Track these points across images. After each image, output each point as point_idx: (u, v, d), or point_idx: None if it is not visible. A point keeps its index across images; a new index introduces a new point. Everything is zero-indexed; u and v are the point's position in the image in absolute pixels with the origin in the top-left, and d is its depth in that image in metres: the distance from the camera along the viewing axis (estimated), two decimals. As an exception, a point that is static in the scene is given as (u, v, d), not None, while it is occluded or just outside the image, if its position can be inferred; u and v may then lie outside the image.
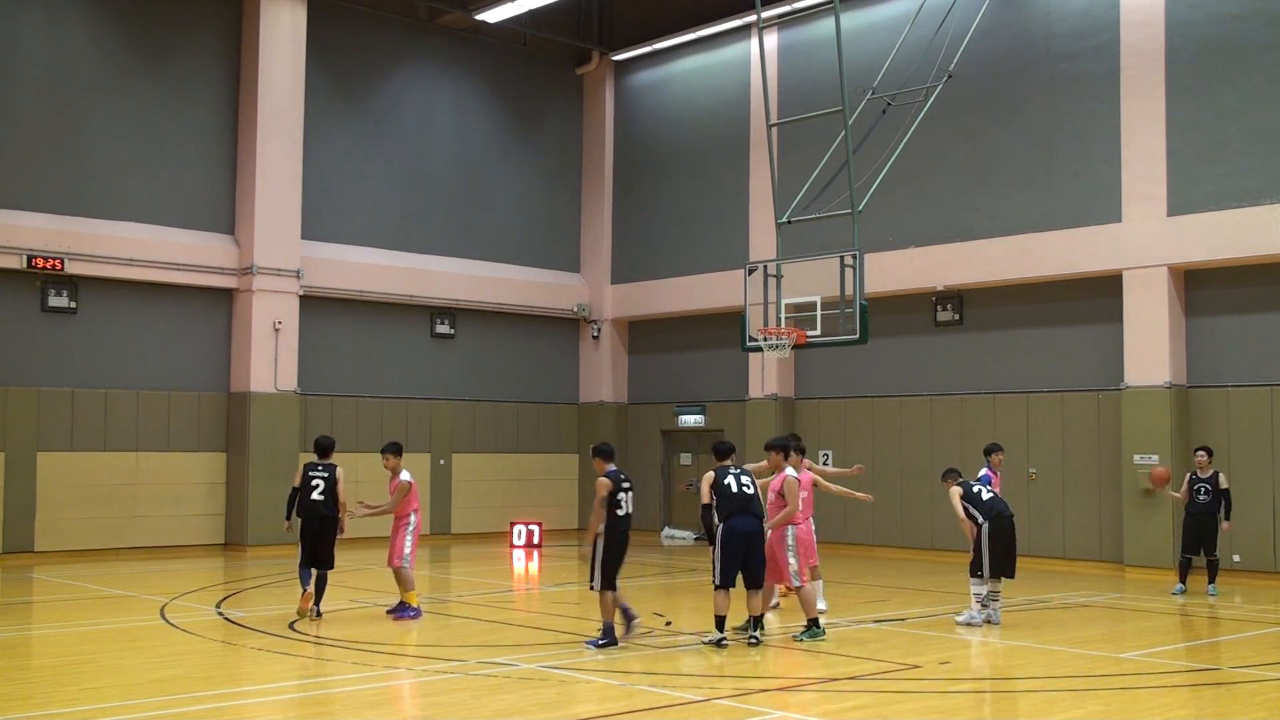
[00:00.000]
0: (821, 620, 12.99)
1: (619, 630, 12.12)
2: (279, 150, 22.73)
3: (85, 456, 21.15)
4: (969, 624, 13.58)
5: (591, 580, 12.05)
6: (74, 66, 21.38)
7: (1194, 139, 18.97)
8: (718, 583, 12.15)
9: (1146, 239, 19.28)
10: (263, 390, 22.32)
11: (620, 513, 12.00)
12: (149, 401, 21.85)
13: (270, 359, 22.44)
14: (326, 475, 14.19)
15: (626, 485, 12.12)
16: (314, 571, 13.98)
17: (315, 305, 23.47)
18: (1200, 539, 16.76)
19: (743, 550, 12.09)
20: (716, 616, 12.16)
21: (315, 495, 14.09)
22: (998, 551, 13.65)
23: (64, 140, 21.21)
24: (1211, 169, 18.80)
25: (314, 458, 14.47)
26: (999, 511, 13.84)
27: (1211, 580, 16.75)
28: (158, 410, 21.95)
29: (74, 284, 21.12)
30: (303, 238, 23.16)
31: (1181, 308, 19.27)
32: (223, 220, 22.82)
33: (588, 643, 12.09)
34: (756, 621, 12.36)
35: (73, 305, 21.13)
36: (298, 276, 22.91)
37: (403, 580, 14.17)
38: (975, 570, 13.72)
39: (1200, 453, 16.99)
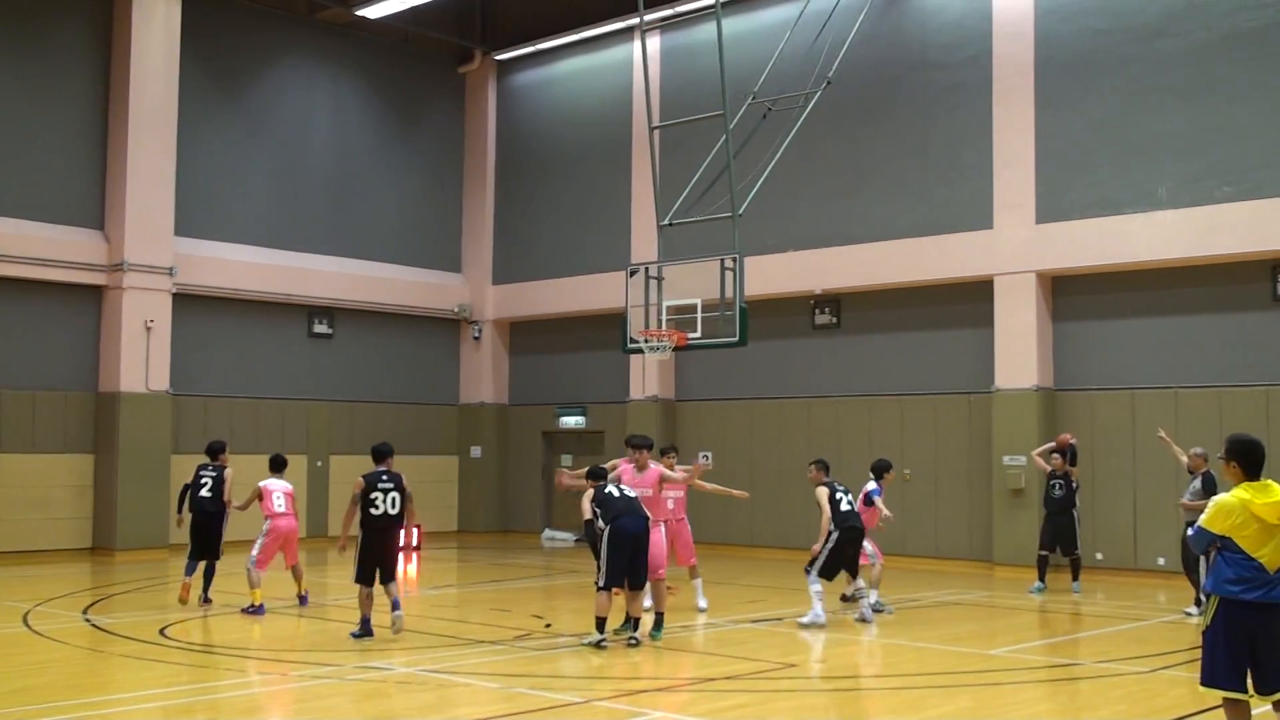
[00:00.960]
0: (702, 619, 13.14)
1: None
2: (151, 144, 22.17)
3: (-56, 458, 20.41)
4: (814, 624, 13.57)
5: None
6: (-66, 54, 20.61)
7: (1062, 149, 19.54)
8: (603, 584, 12.21)
9: (1016, 245, 19.81)
10: (133, 390, 21.76)
11: (375, 511, 12.61)
12: (13, 401, 21.15)
13: (141, 358, 21.88)
14: (215, 475, 15.56)
15: (385, 485, 12.70)
16: (202, 564, 15.27)
17: (189, 303, 22.95)
18: (1056, 537, 17.28)
19: (630, 551, 12.22)
20: (598, 618, 12.19)
21: (204, 493, 15.43)
22: (845, 558, 14.01)
23: (-77, 130, 20.44)
24: (1078, 178, 19.39)
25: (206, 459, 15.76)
26: (853, 525, 14.10)
27: (1075, 578, 17.28)
28: (22, 410, 21.25)
29: (-67, 279, 20.37)
30: (176, 234, 22.62)
31: (1049, 313, 19.85)
32: (92, 215, 22.19)
33: (352, 634, 12.67)
34: (635, 623, 12.44)
35: (-69, 301, 20.37)
36: (170, 274, 22.38)
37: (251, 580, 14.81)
38: (814, 569, 13.87)
39: (1055, 453, 17.52)
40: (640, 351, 18.07)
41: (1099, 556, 18.93)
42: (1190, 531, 9.27)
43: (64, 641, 12.72)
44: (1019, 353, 19.70)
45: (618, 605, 12.61)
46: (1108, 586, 18.01)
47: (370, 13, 24.32)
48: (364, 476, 12.76)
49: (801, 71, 20.53)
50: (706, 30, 22.79)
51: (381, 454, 13.02)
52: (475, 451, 27.10)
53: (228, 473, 15.62)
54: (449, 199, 27.66)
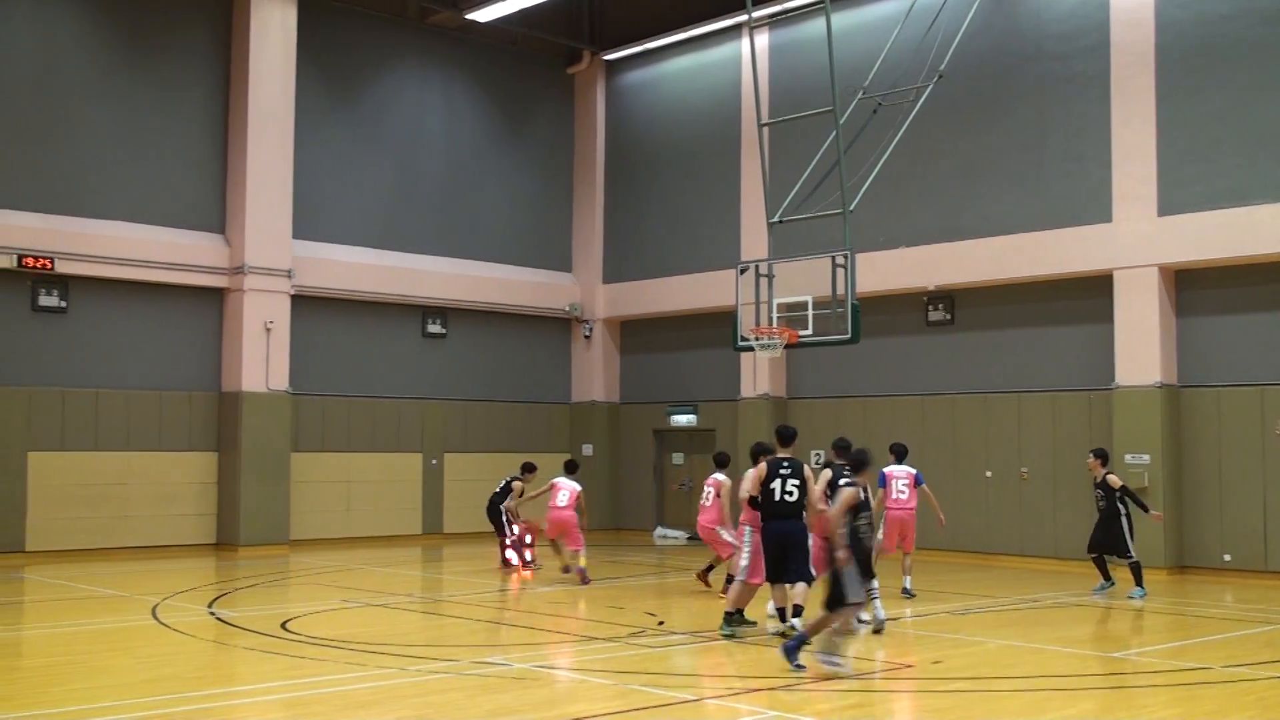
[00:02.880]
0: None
1: None
2: (270, 149, 22.69)
3: (76, 456, 21.10)
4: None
5: None
6: (64, 66, 21.32)
7: (1184, 139, 19.02)
8: (743, 577, 12.59)
9: (1137, 239, 19.32)
10: (254, 390, 22.28)
11: (774, 499, 12.63)
12: (140, 401, 21.81)
13: (261, 358, 22.40)
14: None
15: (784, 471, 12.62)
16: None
17: (307, 305, 23.44)
18: (1104, 543, 16.63)
19: (777, 550, 12.41)
20: (736, 609, 12.50)
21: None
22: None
23: (55, 139, 21.15)
24: (1201, 169, 18.85)
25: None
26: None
27: (1137, 583, 16.44)
28: (149, 410, 21.90)
29: (64, 283, 21.07)
30: (294, 237, 23.12)
31: (1172, 307, 19.33)
32: (213, 219, 22.78)
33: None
34: (798, 610, 12.47)
35: (63, 305, 21.08)
36: (289, 276, 22.88)
37: None
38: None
39: (1090, 456, 17.02)
40: (751, 349, 18.03)
41: (1227, 558, 18.39)
42: None
43: (190, 634, 13.06)
44: (1141, 349, 19.21)
45: (734, 597, 12.56)
46: (1237, 589, 17.47)
47: (480, 16, 24.58)
48: (765, 461, 12.69)
49: (912, 65, 20.26)
50: (815, 26, 22.64)
51: (787, 438, 12.81)
52: (587, 449, 27.24)
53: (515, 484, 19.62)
54: (559, 199, 27.84)
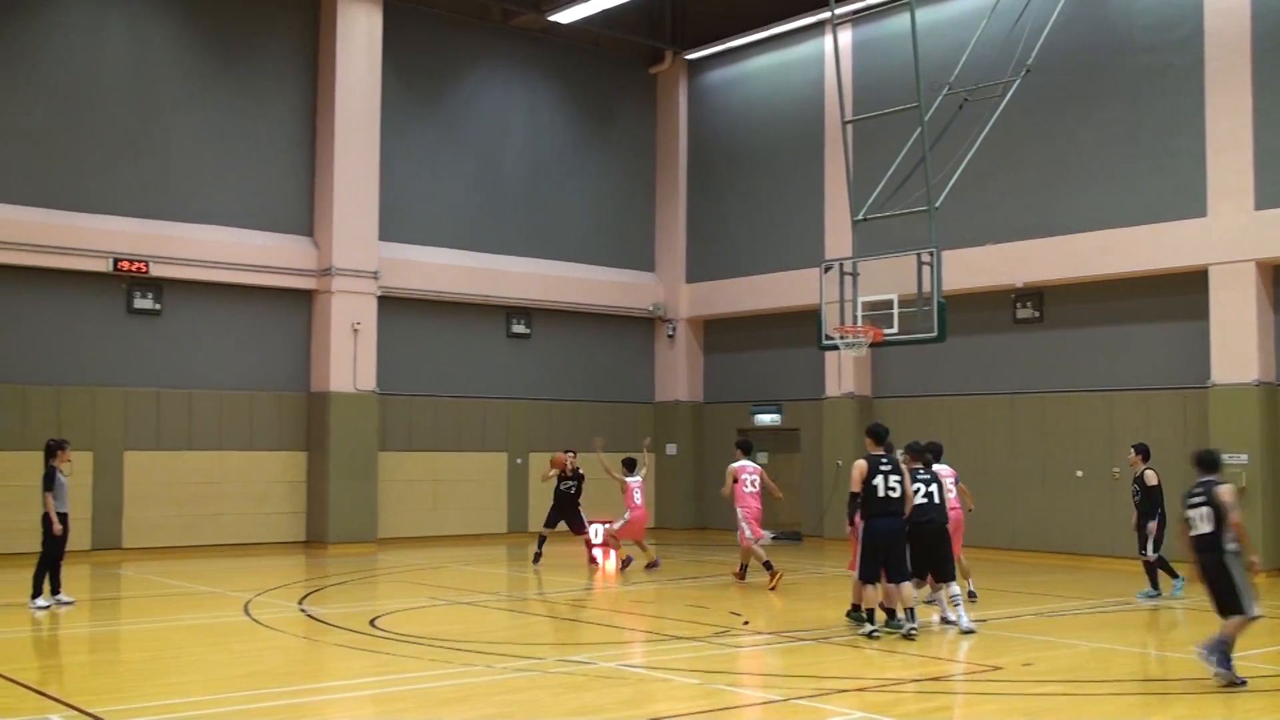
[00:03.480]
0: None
1: None
2: (356, 152, 22.99)
3: (170, 455, 21.55)
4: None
5: None
6: (156, 73, 21.79)
7: (1282, 130, 18.54)
8: (862, 579, 12.57)
9: (1233, 233, 18.86)
10: (342, 390, 22.59)
11: (878, 495, 12.62)
12: (232, 401, 22.22)
13: (349, 359, 22.70)
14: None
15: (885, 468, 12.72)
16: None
17: (393, 306, 23.71)
18: (1139, 539, 16.23)
19: (884, 548, 12.44)
20: (865, 608, 12.48)
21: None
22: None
23: (149, 147, 21.63)
24: (1301, 161, 18.36)
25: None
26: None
27: (1151, 584, 16.07)
28: (240, 410, 22.31)
29: (159, 286, 21.53)
30: (380, 239, 23.40)
31: (1270, 303, 18.84)
32: (302, 222, 23.14)
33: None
34: (910, 613, 12.45)
35: (157, 307, 21.54)
36: (375, 277, 23.16)
37: None
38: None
39: (1131, 451, 16.58)
40: (836, 348, 17.90)
41: (1327, 560, 17.89)
42: None
43: (281, 630, 13.27)
44: (1238, 346, 18.75)
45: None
46: (1338, 592, 16.98)
47: (562, 18, 24.69)
48: (865, 459, 12.69)
49: (999, 60, 19.96)
50: (899, 22, 22.41)
51: (880, 436, 12.83)
52: (671, 449, 27.24)
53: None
54: (642, 199, 27.88)
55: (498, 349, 25.53)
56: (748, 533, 17.12)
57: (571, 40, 26.59)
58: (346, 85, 22.91)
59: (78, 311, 20.89)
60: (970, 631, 12.78)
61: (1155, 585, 16.09)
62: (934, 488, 12.96)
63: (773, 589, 16.39)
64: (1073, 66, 20.86)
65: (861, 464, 12.67)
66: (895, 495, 12.52)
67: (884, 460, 12.61)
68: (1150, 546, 16.08)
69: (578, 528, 20.03)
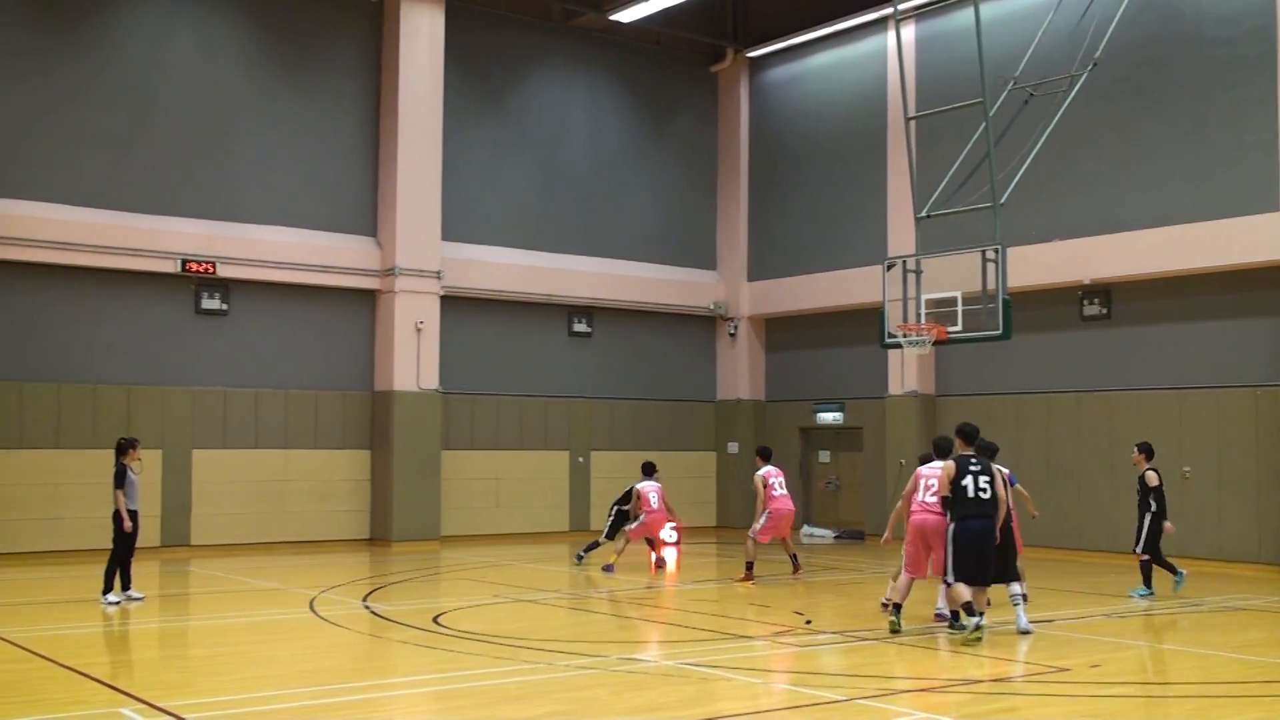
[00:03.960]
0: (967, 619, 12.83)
1: None
2: (419, 153, 23.16)
3: (237, 454, 21.84)
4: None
5: None
6: (223, 77, 22.08)
7: (1358, 123, 18.14)
8: (951, 578, 12.35)
9: (1307, 228, 18.49)
10: (405, 389, 22.76)
11: (968, 496, 12.43)
12: (297, 400, 22.46)
13: (413, 358, 22.88)
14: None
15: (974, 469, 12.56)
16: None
17: (456, 305, 23.86)
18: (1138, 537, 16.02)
19: (975, 549, 12.25)
20: (963, 604, 12.25)
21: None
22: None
23: (216, 150, 21.93)
24: (1377, 154, 17.95)
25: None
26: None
27: (1145, 583, 15.94)
28: (305, 409, 22.55)
29: (225, 287, 21.82)
30: (443, 239, 23.56)
31: (1345, 299, 18.46)
32: (366, 223, 23.35)
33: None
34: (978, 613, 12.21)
35: (224, 307, 21.83)
36: (438, 277, 23.32)
37: None
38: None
39: (1134, 450, 16.36)
40: (899, 346, 17.78)
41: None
42: None
43: (346, 627, 13.39)
44: (1311, 342, 18.38)
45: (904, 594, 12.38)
46: None
47: (623, 16, 24.71)
48: (954, 459, 12.57)
49: (1065, 54, 19.69)
50: (963, 16, 22.20)
51: (970, 436, 12.72)
52: (732, 447, 27.18)
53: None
54: (703, 197, 27.84)
55: (559, 348, 25.60)
56: (756, 527, 17.49)
57: (632, 39, 26.60)
58: (410, 86, 23.08)
59: (147, 312, 21.23)
60: (1026, 632, 12.61)
61: (1148, 583, 15.96)
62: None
63: (738, 581, 17.32)
64: (1141, 60, 20.55)
65: (950, 465, 12.49)
66: (986, 496, 12.29)
67: (973, 461, 12.44)
68: (1143, 544, 15.96)
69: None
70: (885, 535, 14.66)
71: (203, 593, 17.17)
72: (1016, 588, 12.98)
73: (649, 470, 19.55)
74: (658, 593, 16.90)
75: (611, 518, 19.78)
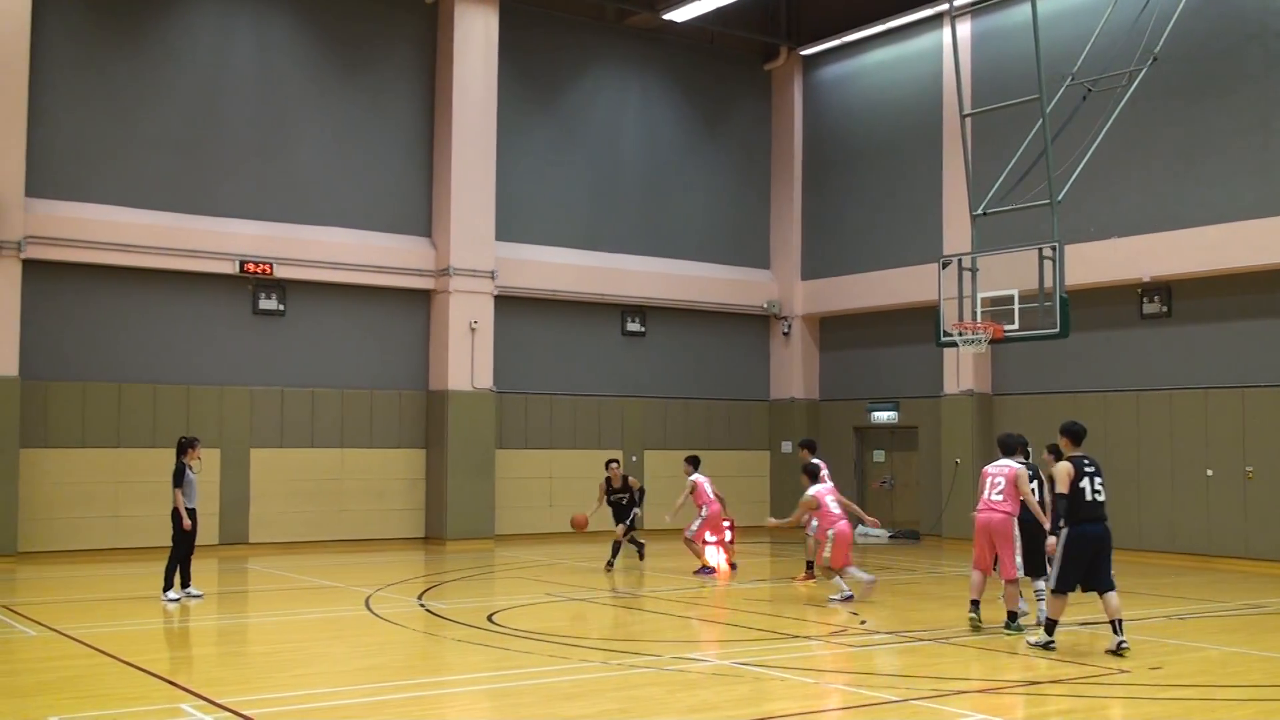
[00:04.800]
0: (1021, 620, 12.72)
1: None
2: (473, 154, 23.27)
3: (294, 453, 22.04)
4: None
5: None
6: (280, 80, 22.30)
7: None
8: (1054, 587, 11.65)
9: (1373, 223, 18.13)
10: (460, 388, 22.88)
11: (1085, 499, 11.68)
12: (353, 400, 22.64)
13: (467, 358, 22.99)
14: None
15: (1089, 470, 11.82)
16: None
17: (509, 305, 23.95)
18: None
19: (1091, 556, 11.56)
20: (1049, 620, 11.71)
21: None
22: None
23: (273, 151, 22.15)
24: None
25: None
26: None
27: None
28: (361, 408, 22.72)
29: (282, 287, 22.03)
30: (497, 239, 23.66)
31: None
32: (420, 223, 23.49)
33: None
34: (1116, 625, 11.57)
35: (281, 308, 22.04)
36: (492, 277, 23.42)
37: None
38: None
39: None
40: (954, 345, 17.65)
41: None
42: None
43: (401, 624, 13.47)
44: (1378, 340, 18.01)
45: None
46: None
47: (677, 16, 24.69)
48: (1069, 460, 11.73)
49: (1124, 49, 19.44)
50: (1020, 12, 21.97)
51: (1079, 436, 12.00)
52: (786, 447, 27.07)
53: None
54: (757, 196, 27.76)
55: (613, 347, 25.63)
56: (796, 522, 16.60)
57: (686, 38, 26.58)
58: (464, 87, 23.20)
59: (206, 313, 21.49)
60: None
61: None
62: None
63: (799, 581, 17.26)
64: (1202, 54, 20.24)
65: (1068, 466, 11.63)
66: (1101, 499, 11.66)
67: (1087, 461, 11.74)
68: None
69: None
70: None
71: (260, 590, 17.35)
72: (1041, 584, 12.99)
73: (696, 462, 18.99)
74: (712, 593, 16.86)
75: (628, 510, 19.16)
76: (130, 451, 20.58)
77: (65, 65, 20.51)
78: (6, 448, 19.26)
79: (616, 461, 19.84)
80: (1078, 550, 11.53)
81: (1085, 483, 11.58)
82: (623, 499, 19.28)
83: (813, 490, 15.84)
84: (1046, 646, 11.67)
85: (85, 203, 20.47)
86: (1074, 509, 11.57)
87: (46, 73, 20.22)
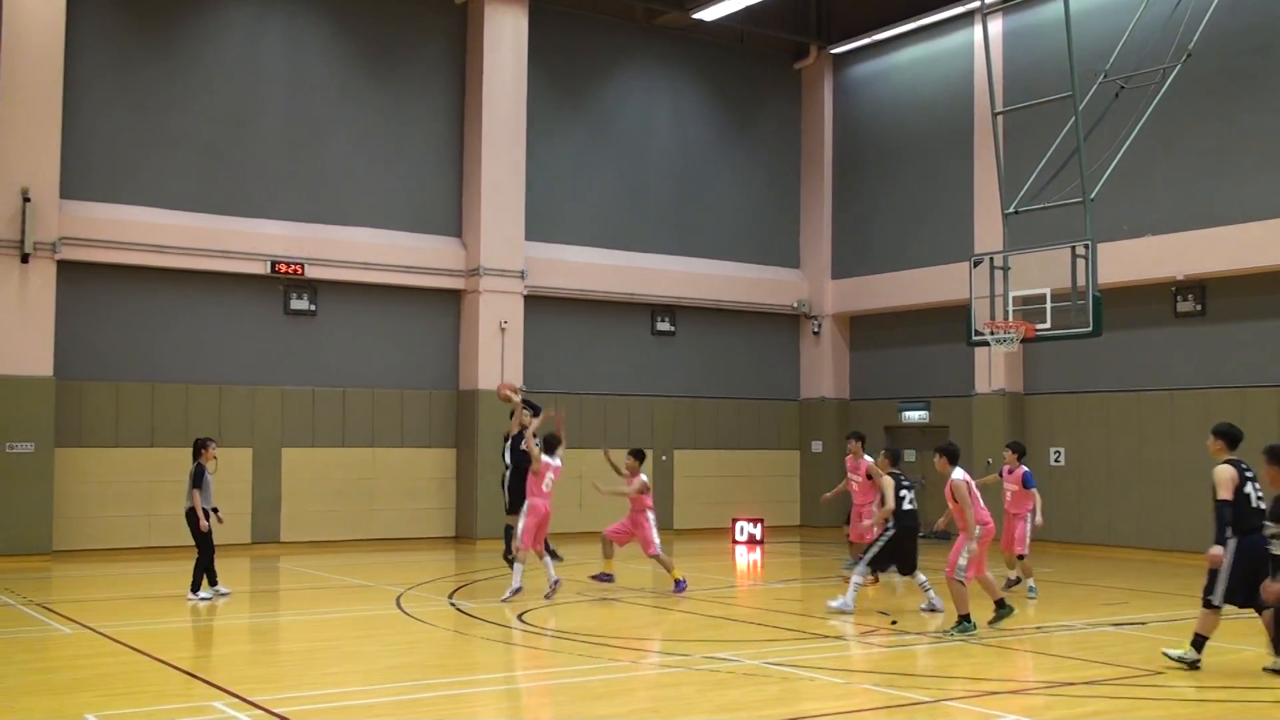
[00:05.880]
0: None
1: None
2: (503, 154, 23.32)
3: (325, 452, 22.15)
4: (843, 610, 13.90)
5: None
6: (311, 81, 22.41)
7: None
8: (1216, 601, 10.71)
9: None
10: (490, 388, 22.89)
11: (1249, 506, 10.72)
12: (384, 399, 22.73)
13: (497, 357, 23.04)
14: None
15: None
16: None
17: (539, 305, 23.99)
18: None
19: (1257, 570, 10.51)
20: (1198, 635, 10.84)
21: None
22: (903, 553, 14.35)
23: (303, 152, 22.26)
24: None
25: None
26: (910, 525, 14.39)
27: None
28: (392, 407, 22.81)
29: (313, 287, 22.14)
30: (526, 239, 23.70)
31: None
32: (451, 224, 23.55)
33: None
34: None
35: (312, 308, 22.15)
36: (522, 277, 23.46)
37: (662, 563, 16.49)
38: (864, 560, 14.37)
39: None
40: (986, 344, 17.57)
41: None
42: None
43: (431, 623, 13.50)
44: None
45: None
46: None
47: (706, 15, 24.66)
48: (1230, 464, 10.83)
49: (1158, 46, 19.28)
50: (1052, 9, 21.82)
51: (1237, 439, 11.10)
52: (816, 447, 27.00)
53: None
54: (787, 195, 27.70)
55: (643, 347, 25.63)
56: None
57: (715, 37, 26.55)
58: (493, 88, 23.25)
59: (237, 313, 21.62)
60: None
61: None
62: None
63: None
64: (1237, 50, 20.06)
65: (1231, 471, 10.74)
66: (1264, 507, 10.70)
67: (1246, 466, 10.87)
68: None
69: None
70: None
71: (292, 589, 17.44)
72: (921, 576, 14.22)
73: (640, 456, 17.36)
74: (741, 592, 16.82)
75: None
76: (163, 451, 20.72)
77: (99, 68, 20.68)
78: (42, 447, 19.43)
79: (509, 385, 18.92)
80: (1248, 562, 10.57)
81: (1249, 489, 10.74)
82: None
83: (959, 476, 13.32)
84: (1193, 665, 10.82)
85: (119, 204, 20.64)
86: (1240, 518, 10.67)
87: (80, 76, 20.40)
